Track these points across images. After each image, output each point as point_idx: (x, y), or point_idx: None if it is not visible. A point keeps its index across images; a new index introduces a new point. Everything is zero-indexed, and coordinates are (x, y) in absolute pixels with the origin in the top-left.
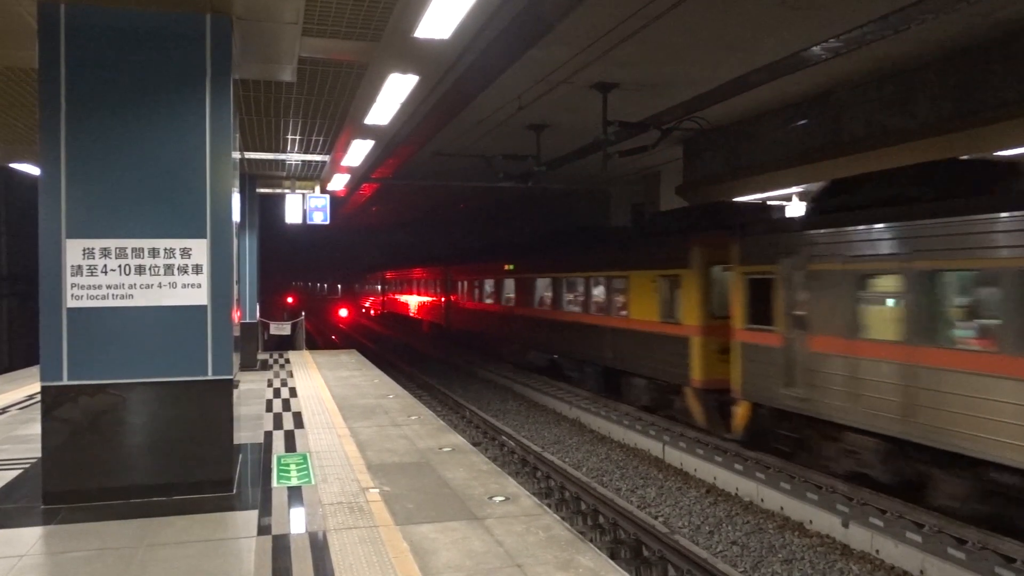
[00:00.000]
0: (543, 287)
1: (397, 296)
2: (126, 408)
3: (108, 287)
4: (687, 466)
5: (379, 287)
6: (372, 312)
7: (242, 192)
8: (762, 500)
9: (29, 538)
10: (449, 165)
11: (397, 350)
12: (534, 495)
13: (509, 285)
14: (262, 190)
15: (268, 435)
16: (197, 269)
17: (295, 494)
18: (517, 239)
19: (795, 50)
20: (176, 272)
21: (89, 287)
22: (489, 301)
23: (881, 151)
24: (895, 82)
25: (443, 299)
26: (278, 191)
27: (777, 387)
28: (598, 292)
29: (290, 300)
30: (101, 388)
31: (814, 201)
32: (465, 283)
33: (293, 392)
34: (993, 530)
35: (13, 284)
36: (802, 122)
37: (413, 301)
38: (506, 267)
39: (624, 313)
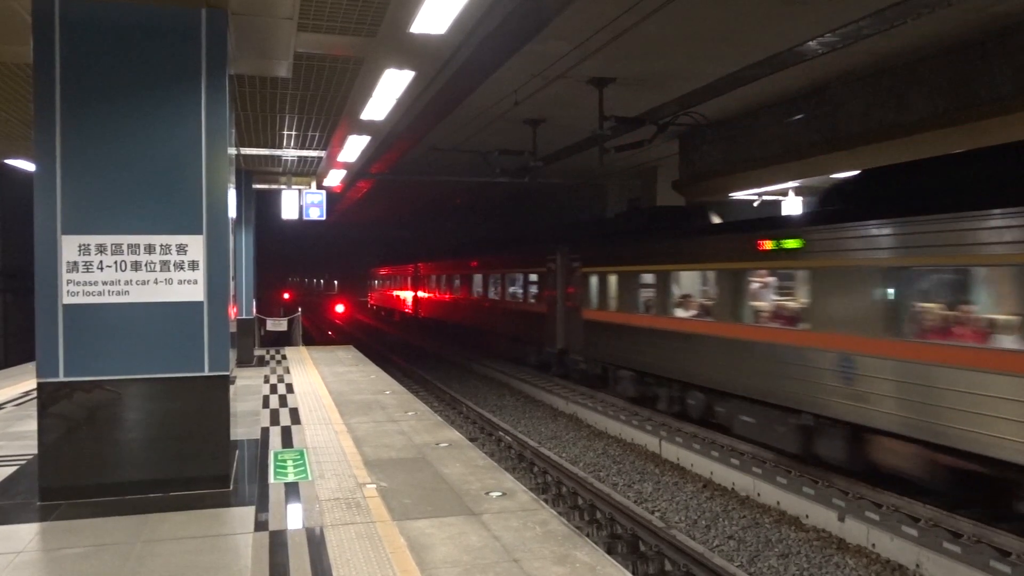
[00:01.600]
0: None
1: (435, 297)
2: (122, 404)
3: (104, 283)
4: (684, 461)
5: (392, 284)
6: (394, 318)
7: (238, 188)
8: (759, 495)
9: (26, 534)
10: (445, 160)
11: (394, 346)
12: (531, 490)
13: (773, 289)
14: (258, 186)
15: (265, 431)
16: (193, 265)
17: (292, 490)
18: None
19: (791, 45)
20: (172, 268)
21: (85, 283)
22: (707, 318)
23: (877, 146)
24: (891, 77)
25: (554, 305)
26: (274, 187)
27: None
28: None
29: (287, 296)
30: (97, 384)
31: None
32: (612, 279)
33: (290, 388)
34: (988, 523)
35: (9, 280)
36: (798, 117)
37: (472, 306)
38: (763, 245)
39: None
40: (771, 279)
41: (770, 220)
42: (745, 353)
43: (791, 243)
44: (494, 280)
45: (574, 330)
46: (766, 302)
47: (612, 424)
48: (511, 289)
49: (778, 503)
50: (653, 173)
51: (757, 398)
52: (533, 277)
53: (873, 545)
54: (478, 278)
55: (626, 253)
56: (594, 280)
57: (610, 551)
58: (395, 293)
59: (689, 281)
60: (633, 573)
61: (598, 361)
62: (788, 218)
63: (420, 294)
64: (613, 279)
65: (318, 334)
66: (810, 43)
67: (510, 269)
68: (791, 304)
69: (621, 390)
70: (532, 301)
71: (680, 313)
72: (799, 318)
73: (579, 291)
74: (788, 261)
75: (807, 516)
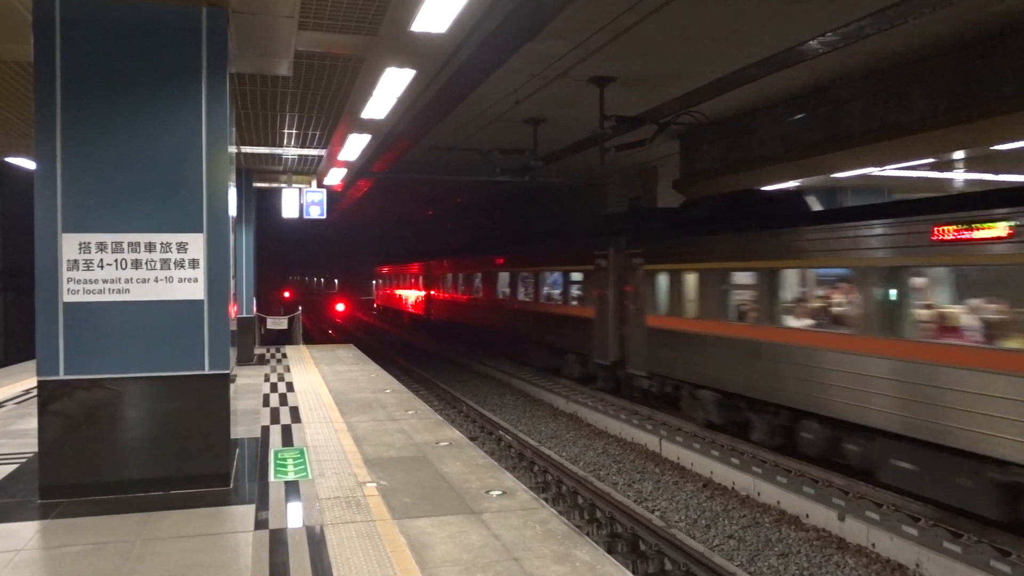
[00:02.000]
0: None
1: (454, 298)
2: (122, 403)
3: (104, 281)
4: (684, 460)
5: (402, 283)
6: (403, 320)
7: (238, 186)
8: (759, 494)
9: (26, 532)
10: (446, 160)
11: (395, 345)
12: (531, 489)
13: None
14: (259, 184)
15: (265, 430)
16: (194, 263)
17: (292, 488)
18: None
19: (792, 44)
20: (173, 266)
21: (85, 282)
22: (840, 329)
23: (878, 145)
24: (892, 76)
25: (605, 308)
26: (275, 185)
27: None
28: None
29: (287, 295)
30: (97, 383)
31: None
32: (690, 278)
33: (290, 387)
34: (989, 523)
35: (9, 279)
36: (799, 116)
37: (498, 309)
38: (942, 233)
39: None
40: (946, 279)
41: (941, 201)
42: (908, 379)
43: (989, 228)
44: (525, 279)
45: (633, 339)
46: (942, 309)
47: (612, 423)
48: (546, 290)
49: (778, 502)
50: (653, 172)
51: (925, 439)
52: (576, 276)
53: (873, 545)
54: (504, 276)
55: (712, 247)
56: (662, 280)
57: (610, 550)
58: (406, 293)
59: (808, 282)
60: (633, 572)
61: (666, 377)
62: (979, 196)
63: (435, 295)
64: (691, 278)
65: (318, 333)
66: (811, 43)
67: (546, 267)
68: (990, 314)
69: (699, 414)
70: (575, 304)
71: (794, 322)
72: (1006, 334)
73: (641, 293)
74: (987, 255)
75: (807, 515)
